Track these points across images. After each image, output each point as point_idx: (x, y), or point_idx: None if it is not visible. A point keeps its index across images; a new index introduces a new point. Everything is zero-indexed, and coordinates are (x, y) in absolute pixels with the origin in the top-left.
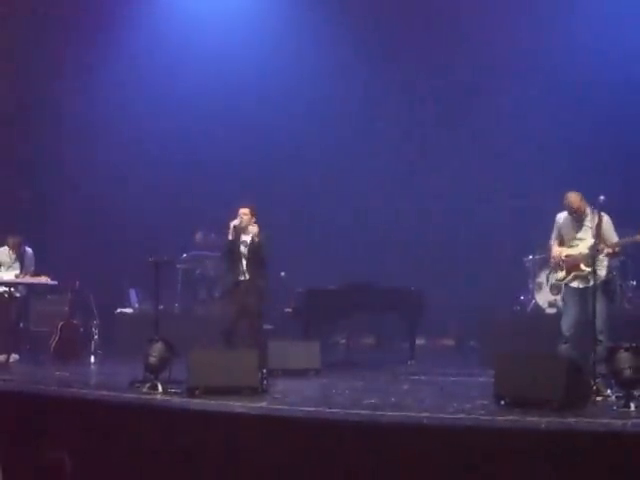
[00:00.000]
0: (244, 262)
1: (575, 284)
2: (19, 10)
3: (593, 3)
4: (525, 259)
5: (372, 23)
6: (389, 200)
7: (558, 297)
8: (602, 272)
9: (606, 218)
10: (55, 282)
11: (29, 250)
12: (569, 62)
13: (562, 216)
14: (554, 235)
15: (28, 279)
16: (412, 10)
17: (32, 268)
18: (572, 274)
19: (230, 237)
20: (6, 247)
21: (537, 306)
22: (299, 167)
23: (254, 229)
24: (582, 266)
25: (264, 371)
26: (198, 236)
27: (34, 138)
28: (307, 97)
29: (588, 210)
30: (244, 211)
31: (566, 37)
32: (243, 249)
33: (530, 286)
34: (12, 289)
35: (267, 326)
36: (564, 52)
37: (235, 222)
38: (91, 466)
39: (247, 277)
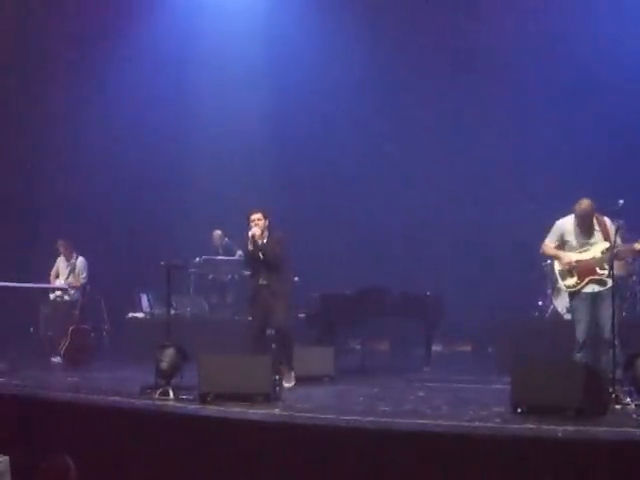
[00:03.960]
0: (262, 267)
1: (589, 289)
2: (20, 9)
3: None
4: (543, 264)
5: (392, 9)
6: (405, 204)
7: None
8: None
9: (609, 221)
10: (66, 286)
11: (81, 258)
12: (586, 62)
13: (567, 222)
14: (552, 240)
15: (40, 284)
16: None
17: (83, 275)
18: (587, 279)
19: (250, 247)
20: (62, 256)
21: (555, 311)
22: (313, 170)
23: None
24: (598, 270)
25: (277, 377)
26: (216, 234)
27: (42, 140)
28: (323, 98)
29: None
30: (258, 217)
31: (583, 37)
32: (261, 254)
33: (548, 291)
34: (64, 294)
35: None
36: (581, 52)
37: (253, 232)
38: (101, 472)
39: (265, 282)
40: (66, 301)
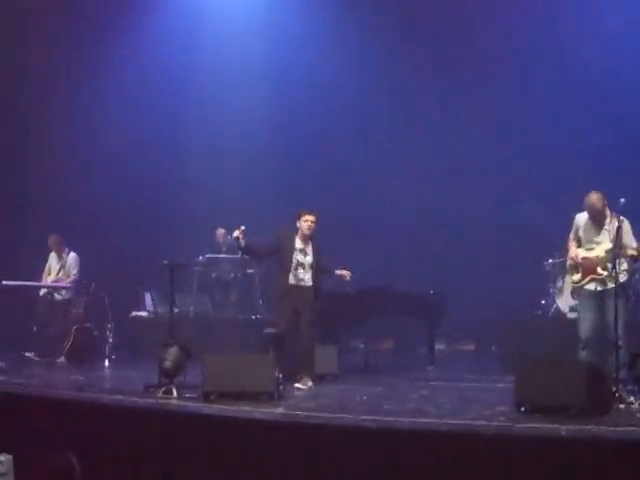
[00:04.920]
0: (305, 270)
1: (591, 287)
2: (20, 9)
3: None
4: (545, 263)
5: (393, 6)
6: (408, 202)
7: None
8: (621, 275)
9: (626, 222)
10: (69, 284)
11: (73, 254)
12: (594, 60)
13: (582, 217)
14: (572, 235)
15: (43, 282)
16: None
17: (75, 271)
18: (588, 277)
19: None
20: (54, 252)
21: (558, 310)
22: (315, 169)
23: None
24: (599, 269)
25: (280, 376)
26: (219, 232)
27: (43, 140)
28: (325, 97)
29: (607, 212)
30: (312, 219)
31: (589, 34)
32: (302, 257)
33: (551, 290)
34: (54, 292)
35: None
36: (586, 50)
37: (307, 231)
38: (104, 470)
39: (309, 284)
40: (58, 299)
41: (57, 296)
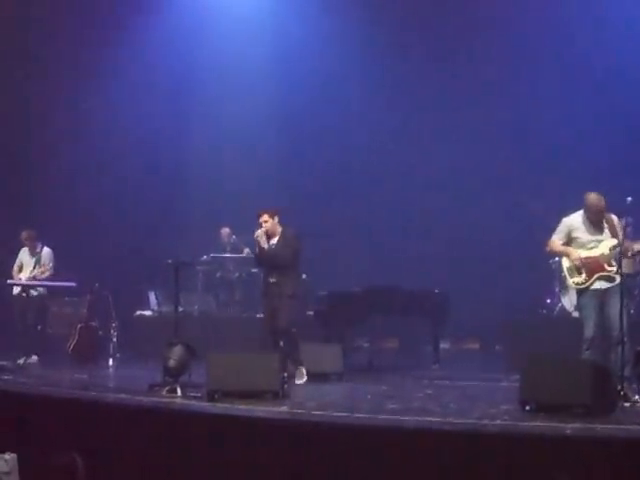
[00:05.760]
0: (271, 267)
1: (597, 285)
2: (28, 10)
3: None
4: (551, 261)
5: (396, 7)
6: (412, 202)
7: None
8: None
9: (616, 218)
10: (74, 284)
11: (47, 249)
12: (597, 59)
13: (575, 219)
14: (559, 237)
15: (45, 280)
16: None
17: (51, 265)
18: (596, 275)
19: (257, 250)
20: (26, 248)
21: (563, 309)
22: (320, 169)
23: (277, 232)
24: (606, 266)
25: (285, 375)
26: (224, 231)
27: (47, 140)
28: (328, 98)
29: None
30: (264, 219)
31: (593, 32)
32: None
33: (556, 289)
34: (29, 289)
35: None
36: (588, 48)
37: (257, 234)
38: (108, 470)
39: (274, 281)
40: (33, 295)
41: (33, 292)
